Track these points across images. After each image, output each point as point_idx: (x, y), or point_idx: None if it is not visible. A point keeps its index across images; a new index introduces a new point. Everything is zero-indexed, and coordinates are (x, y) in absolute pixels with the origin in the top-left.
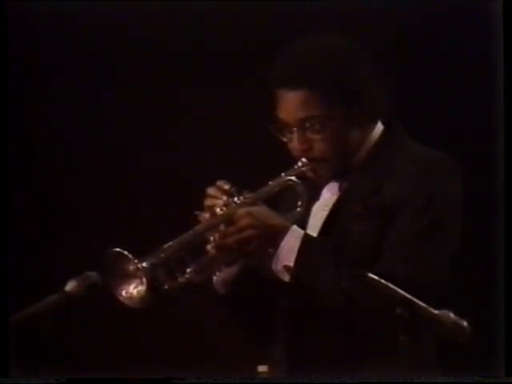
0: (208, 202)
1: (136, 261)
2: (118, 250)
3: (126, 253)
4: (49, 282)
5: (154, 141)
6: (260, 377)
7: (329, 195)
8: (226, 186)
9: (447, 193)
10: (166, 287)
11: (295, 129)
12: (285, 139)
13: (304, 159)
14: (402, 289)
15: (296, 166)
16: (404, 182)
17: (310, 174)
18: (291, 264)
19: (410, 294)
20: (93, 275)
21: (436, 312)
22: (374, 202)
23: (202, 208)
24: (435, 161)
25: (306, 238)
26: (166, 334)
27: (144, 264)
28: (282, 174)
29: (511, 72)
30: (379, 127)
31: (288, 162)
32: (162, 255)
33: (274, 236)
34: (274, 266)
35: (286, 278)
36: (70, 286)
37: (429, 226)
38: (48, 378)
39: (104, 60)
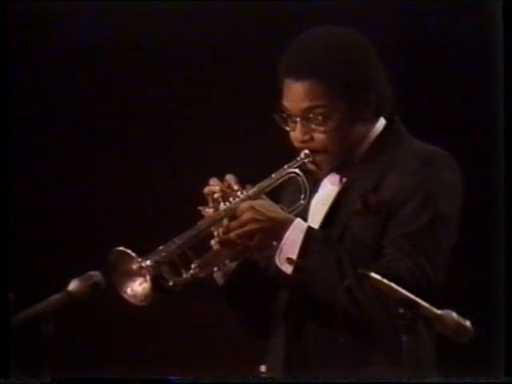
0: (205, 189)
1: (139, 259)
2: (121, 248)
3: (129, 251)
4: (52, 281)
5: (154, 138)
6: (261, 377)
7: (329, 187)
8: (232, 181)
9: (447, 188)
10: (170, 283)
11: (298, 119)
12: (288, 128)
13: (306, 151)
14: (404, 284)
15: (298, 158)
16: (405, 178)
17: (311, 166)
18: (294, 257)
19: (411, 289)
20: (96, 275)
21: (439, 312)
22: (374, 199)
23: (204, 204)
24: (436, 157)
25: (310, 231)
26: (166, 334)
27: (147, 262)
28: (285, 167)
29: (511, 72)
30: (382, 122)
31: (289, 155)
32: (165, 252)
33: (277, 229)
34: (276, 259)
35: (289, 270)
36: (72, 285)
37: (429, 222)
38: (48, 377)
39: (104, 59)
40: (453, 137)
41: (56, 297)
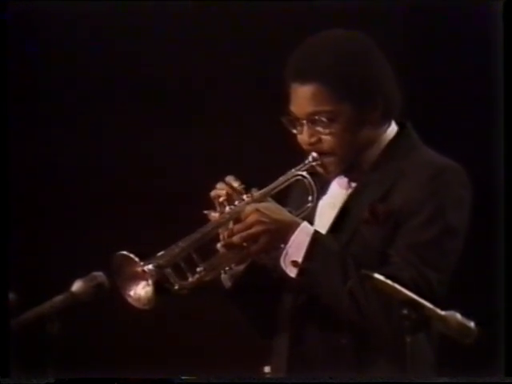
0: (212, 193)
1: (142, 263)
2: (124, 252)
3: (131, 255)
4: (55, 282)
5: (158, 140)
6: (265, 377)
7: (337, 190)
8: (234, 183)
9: (457, 202)
10: (176, 287)
11: (305, 121)
12: (295, 131)
13: (314, 154)
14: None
15: (306, 161)
16: (415, 188)
17: (319, 169)
18: (299, 260)
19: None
20: (99, 275)
21: (443, 313)
22: (382, 209)
23: (210, 207)
24: (447, 169)
25: (316, 235)
26: (170, 335)
27: (150, 266)
28: (292, 170)
29: (511, 72)
30: (393, 128)
31: (297, 158)
32: (168, 256)
33: (283, 231)
34: (281, 261)
35: (293, 273)
36: (76, 286)
37: (438, 234)
38: (48, 377)
39: (104, 58)
40: (452, 139)
41: (60, 297)
